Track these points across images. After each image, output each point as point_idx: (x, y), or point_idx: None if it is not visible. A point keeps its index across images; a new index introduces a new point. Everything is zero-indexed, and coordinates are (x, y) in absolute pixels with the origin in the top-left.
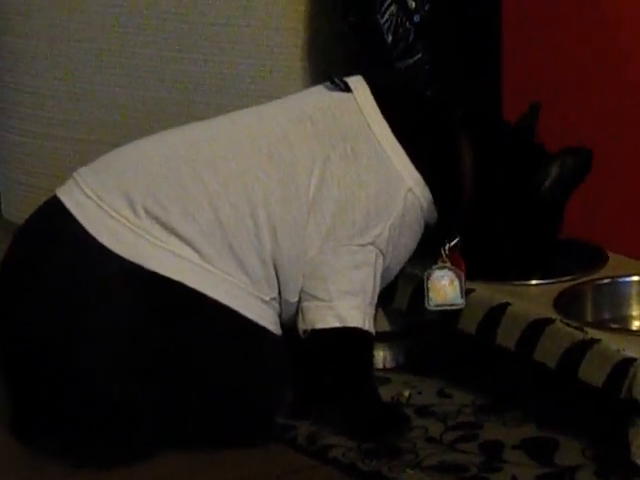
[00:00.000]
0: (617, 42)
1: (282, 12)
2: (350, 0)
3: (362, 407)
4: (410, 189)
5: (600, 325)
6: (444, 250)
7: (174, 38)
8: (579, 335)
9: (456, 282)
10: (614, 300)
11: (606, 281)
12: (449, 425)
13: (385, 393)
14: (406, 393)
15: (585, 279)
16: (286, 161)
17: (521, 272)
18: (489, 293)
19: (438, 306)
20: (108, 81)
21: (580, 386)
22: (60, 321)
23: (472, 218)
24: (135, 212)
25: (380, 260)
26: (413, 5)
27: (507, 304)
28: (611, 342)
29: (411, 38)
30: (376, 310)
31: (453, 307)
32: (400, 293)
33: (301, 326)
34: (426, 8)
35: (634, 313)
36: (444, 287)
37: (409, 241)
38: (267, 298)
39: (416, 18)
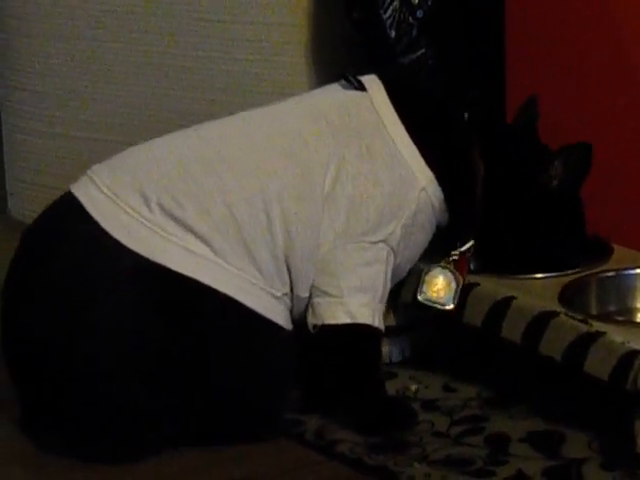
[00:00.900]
0: (622, 33)
1: (286, 8)
2: None
3: (369, 402)
4: (423, 188)
5: (605, 318)
6: (454, 253)
7: (178, 36)
8: (584, 328)
9: (453, 284)
10: (619, 293)
11: (611, 274)
12: (455, 419)
13: (391, 387)
14: (413, 387)
15: (590, 272)
16: (301, 158)
17: (543, 269)
18: (494, 287)
19: (428, 301)
20: (113, 80)
21: (586, 379)
22: (69, 318)
23: (483, 219)
24: (150, 208)
25: (391, 258)
26: (416, 0)
27: (512, 297)
28: (616, 334)
29: (414, 33)
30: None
31: (441, 307)
32: (406, 287)
33: (311, 321)
34: (429, 3)
35: (639, 305)
36: (439, 285)
37: (420, 240)
38: (279, 294)
39: (419, 13)
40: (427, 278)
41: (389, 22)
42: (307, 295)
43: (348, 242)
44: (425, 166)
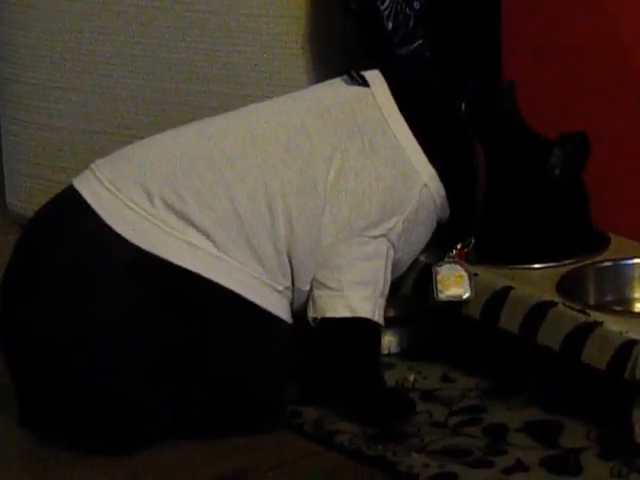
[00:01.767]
0: (619, 24)
1: (284, 0)
2: None
3: (368, 394)
4: (425, 184)
5: (603, 308)
6: (455, 249)
7: (177, 28)
8: (582, 318)
9: (464, 275)
10: (616, 283)
11: (608, 264)
12: (453, 409)
13: (390, 378)
14: (411, 378)
15: (587, 262)
16: (304, 152)
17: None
18: (492, 277)
19: (447, 298)
20: (111, 72)
21: (583, 369)
22: (70, 311)
23: (485, 216)
24: (152, 203)
25: (391, 252)
26: None
27: (510, 288)
28: (614, 324)
29: (411, 25)
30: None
31: (461, 299)
32: (405, 279)
33: (311, 314)
34: None
35: (636, 295)
36: (452, 280)
37: (421, 236)
38: (281, 288)
39: (416, 5)
40: (439, 278)
41: (386, 13)
42: (308, 288)
43: (349, 236)
44: (427, 162)
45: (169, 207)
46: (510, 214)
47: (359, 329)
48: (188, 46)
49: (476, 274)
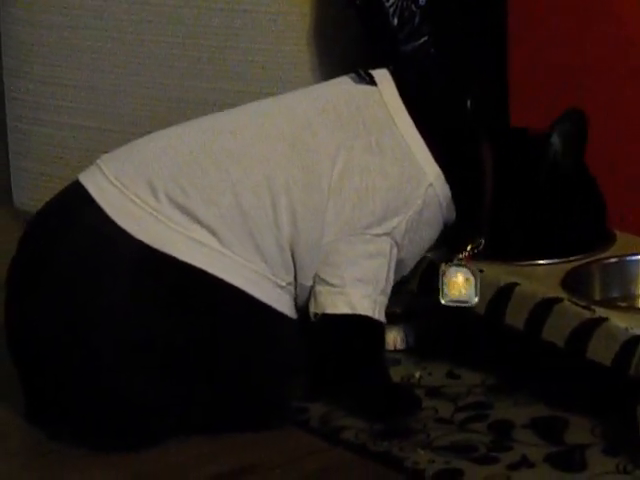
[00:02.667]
0: (623, 24)
1: None
2: None
3: (373, 389)
4: (431, 184)
5: (608, 304)
6: (465, 250)
7: (184, 25)
8: (587, 314)
9: (471, 279)
10: (622, 279)
11: (614, 260)
12: (459, 405)
13: (396, 374)
14: (417, 374)
15: (593, 258)
16: (309, 148)
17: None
18: (497, 273)
19: (452, 302)
20: (117, 69)
21: (589, 365)
22: (74, 308)
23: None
24: (157, 198)
25: (394, 251)
26: None
27: (515, 284)
28: (619, 320)
29: (417, 21)
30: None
31: (467, 304)
32: (412, 276)
33: (312, 309)
34: None
35: None
36: (459, 284)
37: (426, 236)
38: (284, 283)
39: (421, 1)
40: (445, 280)
41: (392, 10)
42: (311, 284)
43: (352, 234)
44: (433, 162)
45: (173, 203)
46: (517, 210)
47: (359, 326)
48: (195, 44)
49: (481, 270)
